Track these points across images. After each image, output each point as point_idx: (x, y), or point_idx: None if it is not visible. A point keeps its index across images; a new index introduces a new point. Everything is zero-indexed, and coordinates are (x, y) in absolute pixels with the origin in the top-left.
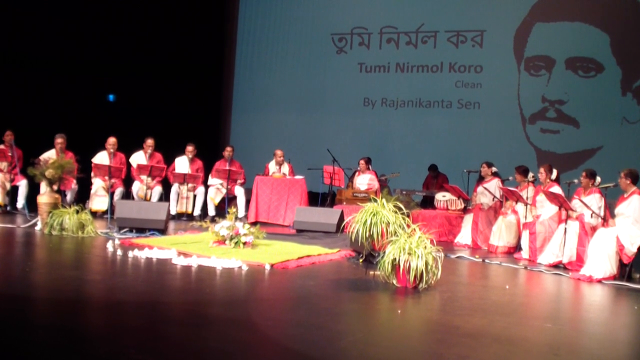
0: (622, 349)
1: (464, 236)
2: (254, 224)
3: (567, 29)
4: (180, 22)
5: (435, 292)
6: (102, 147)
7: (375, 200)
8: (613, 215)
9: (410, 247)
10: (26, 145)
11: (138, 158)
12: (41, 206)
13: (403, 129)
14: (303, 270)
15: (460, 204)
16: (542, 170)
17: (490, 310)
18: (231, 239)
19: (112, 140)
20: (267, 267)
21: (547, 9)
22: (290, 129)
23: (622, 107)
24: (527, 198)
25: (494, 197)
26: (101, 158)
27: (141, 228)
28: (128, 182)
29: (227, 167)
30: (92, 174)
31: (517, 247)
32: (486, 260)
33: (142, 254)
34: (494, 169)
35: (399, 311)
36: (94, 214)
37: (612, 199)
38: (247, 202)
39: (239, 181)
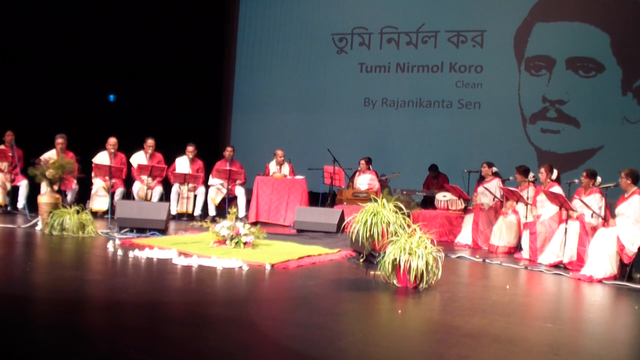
0: (622, 349)
1: (465, 236)
2: (254, 224)
3: (568, 29)
4: (180, 22)
5: (436, 292)
6: (102, 147)
7: (376, 200)
8: (613, 215)
9: (410, 247)
10: (27, 146)
11: (138, 158)
12: (42, 206)
13: (403, 129)
14: (303, 270)
15: (460, 204)
16: (542, 170)
17: (490, 310)
18: (232, 239)
19: (112, 140)
20: (268, 267)
21: (547, 9)
22: (290, 129)
23: (623, 107)
24: (527, 198)
25: (495, 197)
26: (102, 158)
27: (142, 228)
28: (128, 182)
29: (228, 167)
30: (93, 174)
31: (518, 247)
32: (487, 260)
33: (142, 254)
34: (494, 169)
35: (400, 311)
36: (95, 214)
37: (612, 199)
38: (248, 202)
39: (238, 181)
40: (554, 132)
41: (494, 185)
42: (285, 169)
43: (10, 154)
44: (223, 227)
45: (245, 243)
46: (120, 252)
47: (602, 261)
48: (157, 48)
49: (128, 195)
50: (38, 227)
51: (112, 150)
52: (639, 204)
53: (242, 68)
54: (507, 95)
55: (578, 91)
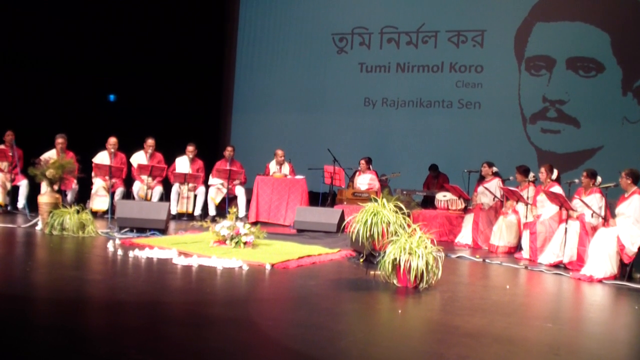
0: (622, 349)
1: (465, 236)
2: (254, 223)
3: (568, 29)
4: (180, 22)
5: (436, 292)
6: (102, 147)
7: (376, 200)
8: (613, 215)
9: (410, 247)
10: (27, 145)
11: (139, 158)
12: (42, 206)
13: (403, 129)
14: (303, 270)
15: (460, 204)
16: (542, 170)
17: (490, 310)
18: (232, 238)
19: (112, 140)
20: (268, 267)
21: (547, 9)
22: (290, 128)
23: (623, 106)
24: (527, 198)
25: (495, 197)
26: (102, 158)
27: (142, 228)
28: (129, 182)
29: (228, 167)
30: (93, 174)
31: (518, 247)
32: (487, 260)
33: (142, 254)
34: (494, 169)
35: (400, 311)
36: (95, 214)
37: (612, 198)
38: (248, 202)
39: (236, 181)
40: (554, 132)
41: (494, 185)
42: (286, 168)
43: (10, 154)
44: (223, 226)
45: (245, 243)
46: (120, 252)
47: (602, 261)
48: (157, 48)
49: (128, 195)
50: (38, 227)
51: (112, 150)
52: (639, 204)
53: (242, 68)
54: (507, 95)
55: (578, 91)
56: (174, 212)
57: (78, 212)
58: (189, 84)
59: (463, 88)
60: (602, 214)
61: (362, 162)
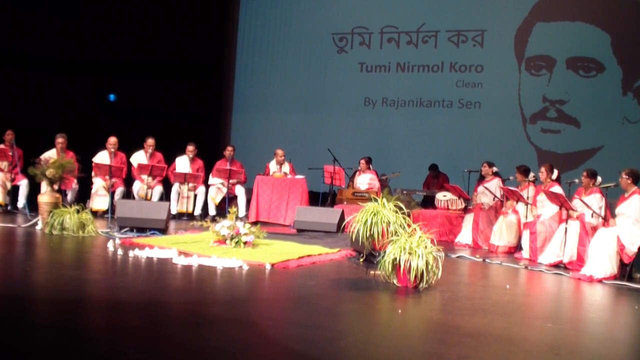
0: (622, 348)
1: (465, 236)
2: (254, 223)
3: (568, 29)
4: (180, 22)
5: (436, 292)
6: (102, 146)
7: (376, 200)
8: (614, 215)
9: (410, 246)
10: (27, 145)
11: (139, 157)
12: (42, 206)
13: (404, 129)
14: (303, 270)
15: (460, 204)
16: (543, 169)
17: (490, 310)
18: (232, 238)
19: (112, 139)
20: (268, 266)
21: (547, 9)
22: (291, 128)
23: (623, 106)
24: (527, 198)
25: (495, 196)
26: (102, 158)
27: (142, 227)
28: (129, 181)
29: (228, 167)
30: (93, 174)
31: (518, 247)
32: (487, 260)
33: (142, 254)
34: (494, 169)
35: (400, 311)
36: (95, 214)
37: (612, 198)
38: (248, 201)
39: (233, 180)
40: (554, 132)
41: (494, 184)
42: (286, 168)
43: (10, 154)
44: (223, 226)
45: (245, 242)
46: (120, 252)
47: (602, 261)
48: (157, 48)
49: (128, 194)
50: (38, 227)
51: (112, 150)
52: (639, 204)
53: (242, 68)
54: (507, 95)
55: (578, 91)
56: (174, 211)
57: (78, 211)
58: (189, 84)
59: (463, 88)
60: (602, 214)
61: (362, 162)
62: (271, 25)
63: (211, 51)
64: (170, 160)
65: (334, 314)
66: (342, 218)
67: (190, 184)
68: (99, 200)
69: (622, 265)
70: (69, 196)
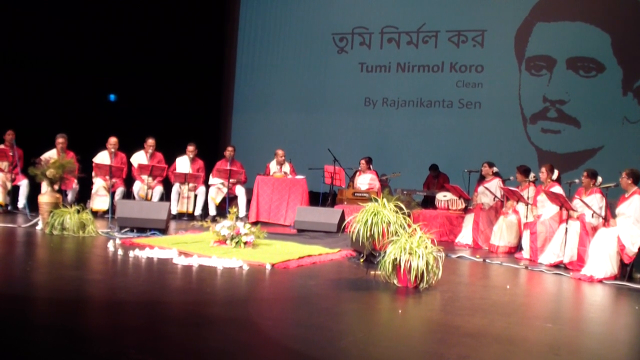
0: (622, 349)
1: (465, 236)
2: (254, 223)
3: (568, 29)
4: (180, 22)
5: (436, 292)
6: (103, 146)
7: (376, 200)
8: (614, 215)
9: (411, 247)
10: (27, 145)
11: (139, 158)
12: (42, 206)
13: (404, 129)
14: (304, 270)
15: (461, 204)
16: (543, 169)
17: (491, 310)
18: (232, 238)
19: (113, 140)
20: (268, 266)
21: (548, 9)
22: (291, 128)
23: (623, 106)
24: (528, 198)
25: (495, 197)
26: (102, 158)
27: (142, 228)
28: (129, 181)
29: (228, 167)
30: (93, 174)
31: (518, 247)
32: (487, 260)
33: (142, 254)
34: (494, 169)
35: (400, 311)
36: (95, 214)
37: (613, 198)
38: (248, 201)
39: (232, 180)
40: (554, 132)
41: (495, 185)
42: (286, 168)
43: (10, 154)
44: (223, 226)
45: (245, 243)
46: (120, 252)
47: (602, 261)
48: (157, 48)
49: (128, 194)
50: (38, 227)
51: (113, 150)
52: (639, 204)
53: (242, 68)
54: (507, 95)
55: (578, 91)
56: (174, 212)
57: (78, 211)
58: (189, 84)
59: (463, 88)
60: (603, 214)
61: (363, 162)
62: (271, 25)
63: (211, 51)
64: (170, 160)
65: (334, 314)
66: (342, 218)
67: (191, 184)
68: (99, 201)
69: (622, 265)
70: (69, 196)
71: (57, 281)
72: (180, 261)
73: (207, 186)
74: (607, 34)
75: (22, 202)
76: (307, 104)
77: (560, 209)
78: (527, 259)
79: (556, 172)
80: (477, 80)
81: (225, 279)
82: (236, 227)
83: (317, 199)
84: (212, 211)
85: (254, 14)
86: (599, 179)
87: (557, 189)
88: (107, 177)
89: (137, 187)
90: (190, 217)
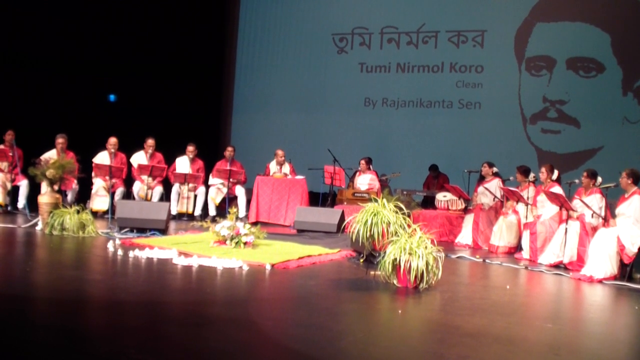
0: (622, 349)
1: (465, 236)
2: (254, 224)
3: (568, 29)
4: (180, 22)
5: (436, 292)
6: (102, 147)
7: (376, 200)
8: (614, 215)
9: (411, 247)
10: (27, 145)
11: (139, 158)
12: (42, 206)
13: (404, 129)
14: (304, 270)
15: (461, 204)
16: (543, 170)
17: (490, 310)
18: (232, 239)
19: (112, 140)
20: (268, 267)
21: (547, 9)
22: (291, 129)
23: (623, 107)
24: (527, 198)
25: (495, 197)
26: (102, 158)
27: (142, 228)
28: (129, 182)
29: (228, 167)
30: (93, 174)
31: (518, 247)
32: (487, 261)
33: (142, 254)
34: (494, 169)
35: (400, 311)
36: (95, 214)
37: (612, 199)
38: (248, 202)
39: (233, 180)
40: (554, 132)
41: (494, 185)
42: (286, 168)
43: (10, 154)
44: (223, 227)
45: (245, 243)
46: (120, 252)
47: (602, 261)
48: (157, 48)
49: (128, 195)
50: (38, 227)
51: (113, 150)
52: (639, 204)
53: (242, 68)
54: (507, 95)
55: (578, 91)
56: (174, 212)
57: (78, 212)
58: (189, 84)
59: (463, 88)
60: (602, 214)
61: (362, 162)
62: (271, 25)
63: (211, 51)
64: (170, 160)
65: (334, 314)
66: (342, 218)
67: (191, 185)
68: (99, 201)
69: (622, 265)
70: (69, 196)
71: (57, 281)
72: (180, 261)
73: (207, 186)
74: (607, 34)
75: (21, 202)
76: (307, 104)
77: (560, 209)
78: (527, 259)
79: (556, 172)
80: (477, 80)
81: (225, 279)
82: (236, 228)
83: (317, 199)
84: (212, 211)
85: (254, 14)
86: (599, 179)
87: (557, 189)
88: (107, 178)
89: (137, 188)
90: (190, 217)
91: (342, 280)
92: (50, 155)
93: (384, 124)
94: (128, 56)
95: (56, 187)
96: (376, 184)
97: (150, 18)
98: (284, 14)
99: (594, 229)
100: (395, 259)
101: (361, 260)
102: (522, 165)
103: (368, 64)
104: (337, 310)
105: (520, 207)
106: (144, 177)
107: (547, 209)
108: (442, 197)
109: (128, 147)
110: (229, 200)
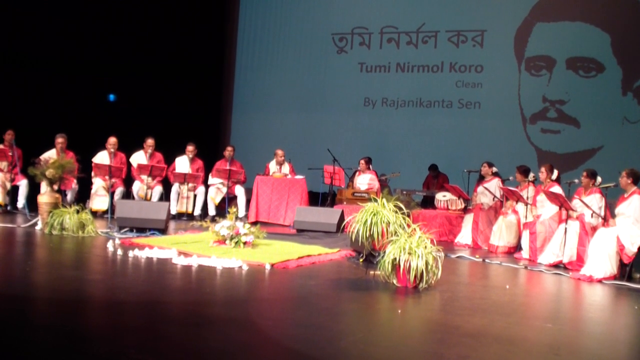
0: (622, 349)
1: (464, 236)
2: (254, 223)
3: (568, 29)
4: (180, 22)
5: (436, 292)
6: (102, 146)
7: (376, 200)
8: (613, 215)
9: (410, 247)
10: (27, 145)
11: (138, 158)
12: (41, 206)
13: (403, 129)
14: (303, 270)
15: (460, 204)
16: (543, 169)
17: (490, 310)
18: (231, 238)
19: (112, 140)
20: (268, 266)
21: (547, 9)
22: (290, 128)
23: (623, 106)
24: (527, 198)
25: (495, 197)
26: (102, 158)
27: (141, 228)
28: (128, 181)
29: (228, 167)
30: (93, 174)
31: (518, 247)
32: (486, 260)
33: (142, 254)
34: (494, 169)
35: (399, 311)
36: (95, 214)
37: (612, 198)
38: (248, 201)
39: (233, 180)
40: (554, 132)
41: (494, 185)
42: (286, 168)
43: (10, 154)
44: (223, 226)
45: (245, 243)
46: (120, 252)
47: (602, 261)
48: (157, 48)
49: (128, 194)
50: (38, 227)
51: (112, 150)
52: (638, 204)
53: (242, 68)
54: (507, 95)
55: (578, 91)
56: (173, 212)
57: (78, 212)
58: (189, 84)
59: (463, 88)
60: (602, 214)
61: (362, 162)
62: (271, 25)
63: (211, 51)
64: (170, 160)
65: (334, 314)
66: (341, 218)
67: (190, 184)
68: (99, 201)
69: (621, 265)
70: (69, 196)
71: (57, 281)
72: (180, 261)
73: (207, 186)
74: (607, 34)
75: (21, 202)
76: (307, 104)
77: (560, 209)
78: (527, 259)
79: (556, 172)
80: (477, 80)
81: (225, 279)
82: (235, 227)
83: (317, 199)
84: (212, 211)
85: (254, 14)
86: (599, 179)
87: (557, 189)
88: (107, 177)
89: (137, 187)
90: (190, 217)
91: (341, 280)
92: (50, 155)
93: (384, 124)
94: (128, 56)
95: (56, 187)
96: (376, 184)
97: (150, 18)
98: (284, 13)
99: (594, 229)
100: (395, 259)
101: (361, 260)
102: (521, 165)
103: (368, 63)
104: (336, 310)
105: (520, 206)
106: (144, 176)
107: (547, 209)
108: (441, 196)
109: (128, 147)
110: (229, 200)
